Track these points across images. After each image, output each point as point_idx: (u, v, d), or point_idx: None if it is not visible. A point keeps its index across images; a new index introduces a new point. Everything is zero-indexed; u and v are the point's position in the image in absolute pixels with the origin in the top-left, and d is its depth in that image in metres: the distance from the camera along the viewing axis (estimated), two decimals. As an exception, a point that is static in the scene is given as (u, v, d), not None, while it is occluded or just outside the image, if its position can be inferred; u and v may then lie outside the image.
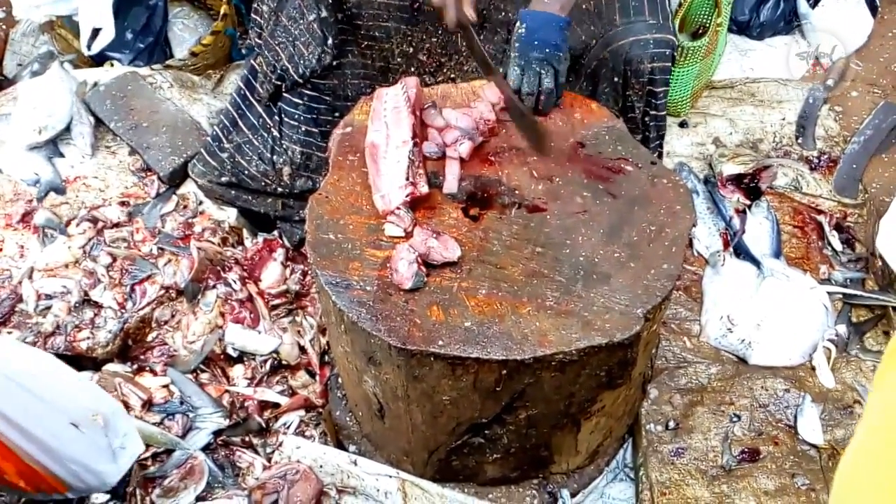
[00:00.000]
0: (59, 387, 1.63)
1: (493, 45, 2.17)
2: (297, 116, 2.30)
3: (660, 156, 2.35)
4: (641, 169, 1.82)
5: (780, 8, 3.05)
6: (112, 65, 2.89)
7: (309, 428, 2.11)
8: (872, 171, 2.69)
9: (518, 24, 1.86)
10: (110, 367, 2.13)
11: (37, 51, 3.03)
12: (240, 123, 2.39)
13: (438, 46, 2.22)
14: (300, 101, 2.28)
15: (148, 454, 1.95)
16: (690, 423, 2.05)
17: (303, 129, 2.31)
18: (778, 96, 2.89)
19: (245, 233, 2.48)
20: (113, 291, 2.26)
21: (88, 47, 2.81)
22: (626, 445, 2.14)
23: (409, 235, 1.65)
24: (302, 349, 2.24)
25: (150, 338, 2.23)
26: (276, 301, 2.30)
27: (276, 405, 2.14)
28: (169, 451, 1.99)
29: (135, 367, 2.16)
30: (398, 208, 1.66)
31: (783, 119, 2.83)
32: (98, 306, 2.24)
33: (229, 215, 2.48)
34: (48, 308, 2.23)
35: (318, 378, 2.21)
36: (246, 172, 2.41)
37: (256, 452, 2.04)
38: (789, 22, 3.11)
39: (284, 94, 2.28)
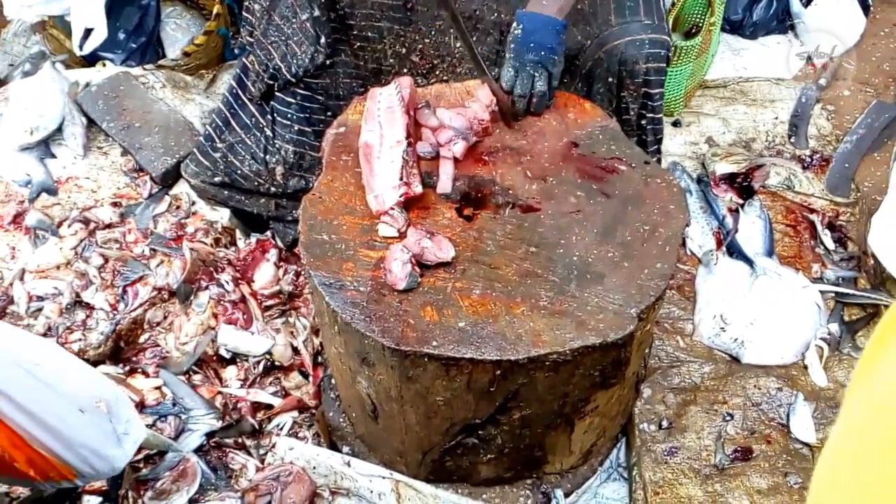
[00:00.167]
0: (63, 373, 1.63)
1: (486, 46, 2.17)
2: (289, 116, 2.29)
3: (659, 161, 2.34)
4: (635, 168, 1.82)
5: (772, 7, 3.06)
6: (104, 65, 2.87)
7: (302, 429, 2.10)
8: (865, 170, 2.69)
9: (515, 24, 1.86)
10: (102, 368, 2.12)
11: (28, 51, 3.02)
12: (232, 123, 2.39)
13: (431, 48, 2.21)
14: (293, 101, 2.27)
15: (140, 456, 1.94)
16: (683, 422, 2.05)
17: (296, 128, 2.30)
18: (771, 95, 2.90)
19: (238, 233, 2.48)
20: (105, 293, 2.25)
21: (80, 47, 2.79)
22: (620, 445, 2.14)
23: (402, 236, 1.65)
24: (295, 350, 2.24)
25: (142, 339, 2.22)
26: (269, 302, 2.30)
27: (270, 406, 2.13)
28: (161, 454, 1.98)
29: (127, 368, 2.15)
30: (392, 208, 1.66)
31: (776, 118, 2.83)
32: (90, 308, 2.23)
33: (222, 216, 2.47)
34: (39, 310, 2.22)
35: (311, 379, 2.20)
36: (239, 172, 2.40)
37: (249, 454, 2.04)
38: (782, 21, 3.12)
39: (277, 94, 2.28)
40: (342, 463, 1.92)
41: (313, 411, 2.14)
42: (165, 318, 2.25)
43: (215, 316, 2.24)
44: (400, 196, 1.66)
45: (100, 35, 2.77)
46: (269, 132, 2.34)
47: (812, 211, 2.51)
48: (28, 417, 1.52)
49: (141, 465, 1.96)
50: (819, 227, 2.46)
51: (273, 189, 2.42)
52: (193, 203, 2.48)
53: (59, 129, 2.54)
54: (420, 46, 2.21)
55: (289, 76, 2.20)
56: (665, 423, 2.04)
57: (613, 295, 1.58)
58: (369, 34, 2.21)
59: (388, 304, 1.56)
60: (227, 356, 2.19)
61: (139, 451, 1.89)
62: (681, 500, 1.92)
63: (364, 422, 1.93)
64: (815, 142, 2.77)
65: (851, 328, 2.24)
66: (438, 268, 1.61)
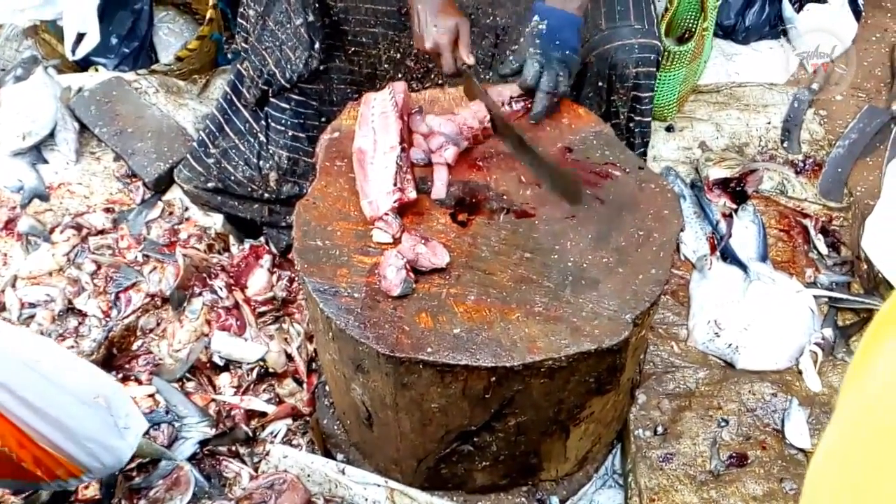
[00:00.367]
0: (62, 369, 1.63)
1: (482, 49, 2.17)
2: (283, 121, 2.29)
3: (644, 161, 2.35)
4: (629, 174, 1.82)
5: (765, 12, 3.06)
6: (97, 70, 2.86)
7: (296, 437, 2.10)
8: (857, 175, 2.70)
9: (537, 19, 1.80)
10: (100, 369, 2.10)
11: (20, 56, 3.00)
12: (226, 128, 2.38)
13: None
14: (287, 106, 2.27)
15: (133, 465, 1.93)
16: (679, 428, 2.05)
17: (289, 134, 2.30)
18: (763, 100, 2.90)
19: (231, 239, 2.47)
20: (97, 299, 2.24)
21: (73, 52, 2.78)
22: (615, 451, 2.13)
23: (397, 241, 1.64)
24: (289, 357, 2.23)
25: (135, 346, 2.21)
26: (263, 308, 2.29)
27: (263, 414, 2.12)
28: (154, 462, 1.97)
29: (120, 376, 2.14)
30: (386, 214, 1.65)
31: (768, 123, 2.84)
32: (82, 314, 2.22)
33: (215, 221, 2.46)
34: (32, 316, 2.21)
35: (305, 386, 2.19)
36: (232, 178, 2.39)
37: (243, 462, 2.03)
38: (774, 26, 3.12)
39: (271, 99, 2.27)
40: (337, 471, 1.91)
41: (307, 419, 2.13)
42: (158, 324, 2.23)
43: (209, 322, 2.24)
44: (394, 202, 1.65)
45: (92, 40, 2.75)
46: (262, 138, 2.33)
47: (805, 216, 2.52)
48: (33, 413, 1.52)
49: (134, 473, 1.95)
50: (812, 232, 2.46)
51: (267, 195, 2.41)
52: (186, 209, 2.47)
53: (52, 135, 2.53)
54: (415, 51, 2.21)
55: (283, 81, 2.19)
56: (660, 429, 2.04)
57: (608, 301, 1.58)
58: (363, 39, 2.21)
59: (382, 310, 1.55)
60: (221, 363, 2.18)
61: (132, 459, 1.88)
62: (676, 505, 1.92)
63: (358, 429, 1.92)
64: (808, 146, 2.78)
65: (845, 333, 2.24)
66: (433, 274, 1.61)
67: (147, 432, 2.01)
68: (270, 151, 2.33)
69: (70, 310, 2.23)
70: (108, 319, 2.20)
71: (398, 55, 2.22)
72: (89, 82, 2.69)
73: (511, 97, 1.91)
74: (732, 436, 2.03)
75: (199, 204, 2.47)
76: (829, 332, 2.22)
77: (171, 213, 2.45)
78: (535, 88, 1.83)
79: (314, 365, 2.22)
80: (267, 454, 1.98)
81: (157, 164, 2.49)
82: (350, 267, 1.62)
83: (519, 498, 1.97)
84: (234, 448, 2.05)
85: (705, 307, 2.24)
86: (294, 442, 2.08)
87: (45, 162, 2.52)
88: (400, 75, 2.25)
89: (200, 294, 2.27)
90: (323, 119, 2.27)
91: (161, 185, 2.49)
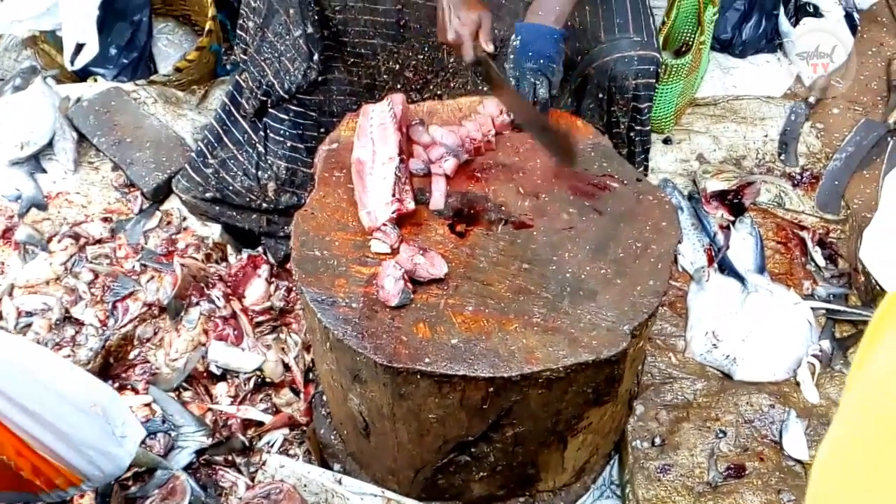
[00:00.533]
0: (59, 377, 1.62)
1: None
2: (282, 132, 2.29)
3: (645, 170, 2.37)
4: (627, 186, 1.83)
5: (761, 26, 3.08)
6: (95, 80, 2.87)
7: (293, 446, 2.09)
8: (854, 188, 2.71)
9: (513, 36, 1.87)
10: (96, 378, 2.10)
11: (19, 65, 3.00)
12: (224, 139, 2.38)
13: (425, 63, 2.22)
14: (285, 117, 2.27)
15: (129, 474, 1.92)
16: (676, 439, 2.04)
17: (288, 144, 2.30)
18: (760, 113, 2.92)
19: (229, 249, 2.47)
20: (94, 308, 2.23)
21: (72, 62, 2.78)
22: (613, 462, 2.13)
23: (395, 252, 1.64)
24: (286, 367, 2.22)
25: (132, 355, 2.20)
26: (260, 318, 2.28)
27: (260, 423, 2.11)
28: (151, 471, 1.96)
29: (116, 385, 2.13)
30: (384, 225, 1.65)
31: (766, 136, 2.85)
32: (79, 323, 2.21)
33: (213, 231, 2.46)
34: (29, 325, 2.20)
35: (302, 396, 2.19)
36: (230, 188, 2.40)
37: (240, 471, 2.02)
38: (771, 40, 3.14)
39: (270, 110, 2.28)
40: (333, 481, 1.90)
41: (304, 428, 2.12)
42: (156, 334, 2.23)
43: (206, 332, 2.23)
44: (392, 212, 1.66)
45: (91, 50, 2.76)
46: (261, 148, 2.34)
47: (802, 228, 2.52)
48: (32, 420, 1.52)
49: (130, 482, 1.94)
50: (810, 244, 2.47)
51: (265, 205, 2.41)
52: (184, 219, 2.47)
53: (50, 144, 2.54)
54: (413, 62, 2.22)
55: (282, 92, 2.20)
56: (658, 441, 2.03)
57: (606, 312, 1.58)
58: (362, 51, 2.22)
59: (380, 320, 1.55)
60: (218, 372, 2.18)
61: (128, 468, 1.87)
62: (674, 517, 1.91)
63: (356, 439, 1.92)
64: (805, 159, 2.79)
65: (843, 345, 2.25)
66: (431, 284, 1.61)
67: (143, 441, 2.00)
68: (269, 162, 2.34)
69: (67, 319, 2.22)
70: (105, 328, 2.20)
71: (397, 66, 2.23)
72: (88, 92, 2.70)
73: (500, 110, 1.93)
74: (730, 447, 2.03)
75: (197, 214, 2.47)
76: (826, 344, 2.22)
77: (168, 223, 2.45)
78: None
79: (311, 375, 2.22)
80: (263, 464, 1.97)
81: (156, 175, 2.49)
82: (348, 277, 1.62)
83: (516, 509, 1.96)
84: (230, 458, 2.04)
85: (703, 319, 2.24)
86: (291, 452, 2.07)
87: (44, 171, 2.52)
88: (399, 86, 2.26)
89: (198, 304, 2.26)
90: (322, 130, 2.28)
91: (159, 194, 2.49)
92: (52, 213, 2.44)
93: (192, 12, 3.15)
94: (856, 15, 3.19)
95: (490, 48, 1.81)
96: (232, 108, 2.36)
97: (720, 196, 2.53)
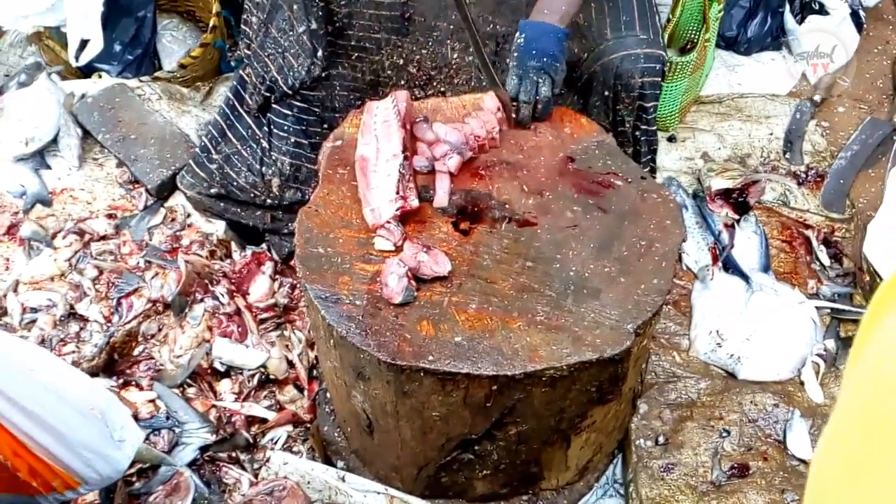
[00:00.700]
0: (59, 379, 1.62)
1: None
2: (286, 128, 2.29)
3: (652, 171, 2.36)
4: (631, 184, 1.82)
5: (767, 24, 3.07)
6: (100, 76, 2.87)
7: (297, 443, 2.09)
8: (859, 187, 2.70)
9: (518, 34, 1.89)
10: (96, 381, 2.10)
11: (24, 62, 3.01)
12: (229, 134, 2.38)
13: (429, 59, 2.22)
14: (289, 113, 2.27)
15: (133, 470, 1.93)
16: (680, 438, 2.04)
17: (292, 140, 2.30)
18: (765, 111, 2.91)
19: (233, 246, 2.47)
20: (99, 305, 2.24)
21: (76, 59, 2.79)
22: (616, 461, 2.13)
23: (399, 249, 1.64)
24: (290, 364, 2.22)
25: (136, 352, 2.20)
26: (265, 315, 2.29)
27: (264, 420, 2.12)
28: (154, 467, 1.96)
29: (121, 381, 2.14)
30: (388, 222, 1.65)
31: (771, 134, 2.84)
32: (84, 320, 2.21)
33: (217, 228, 2.46)
34: (33, 321, 2.21)
35: (306, 393, 2.19)
36: (235, 184, 2.39)
37: (243, 468, 2.02)
38: (776, 38, 3.13)
39: (273, 106, 2.28)
40: (337, 478, 1.90)
41: (308, 425, 2.13)
42: (160, 330, 2.23)
43: (210, 329, 2.23)
44: (396, 210, 1.66)
45: (96, 46, 2.76)
46: (265, 144, 2.34)
47: (807, 227, 2.52)
48: (30, 420, 1.52)
49: (134, 479, 1.94)
50: (814, 243, 2.46)
51: (269, 201, 2.41)
52: (189, 215, 2.47)
53: (55, 141, 2.54)
54: (417, 57, 2.21)
55: (285, 88, 2.20)
56: (661, 439, 2.03)
57: (610, 310, 1.58)
58: (367, 45, 2.22)
59: (384, 318, 1.55)
60: (222, 369, 2.18)
61: (132, 464, 1.88)
62: (677, 516, 1.91)
63: (359, 436, 1.92)
64: (810, 158, 2.78)
65: (847, 344, 2.24)
66: (435, 282, 1.61)
67: (147, 437, 2.01)
68: (273, 157, 2.34)
69: (72, 315, 2.23)
70: (109, 325, 2.20)
71: (401, 61, 2.23)
72: (92, 89, 2.69)
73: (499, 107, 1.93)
74: (734, 446, 2.02)
75: (202, 210, 2.47)
76: (831, 344, 2.21)
77: (173, 220, 2.45)
78: (517, 98, 1.89)
79: (315, 372, 2.22)
80: (267, 461, 1.97)
81: (160, 171, 2.49)
82: (352, 274, 1.62)
83: (519, 507, 1.96)
84: (234, 454, 2.04)
85: (707, 317, 2.23)
86: (294, 449, 2.08)
87: (48, 167, 2.52)
88: (403, 82, 2.25)
89: (202, 300, 2.27)
90: (325, 125, 2.28)
91: (163, 191, 2.49)
92: (56, 210, 2.45)
93: (196, 8, 3.15)
94: (861, 13, 3.18)
95: None
96: (236, 104, 2.36)
97: (725, 194, 2.52)
